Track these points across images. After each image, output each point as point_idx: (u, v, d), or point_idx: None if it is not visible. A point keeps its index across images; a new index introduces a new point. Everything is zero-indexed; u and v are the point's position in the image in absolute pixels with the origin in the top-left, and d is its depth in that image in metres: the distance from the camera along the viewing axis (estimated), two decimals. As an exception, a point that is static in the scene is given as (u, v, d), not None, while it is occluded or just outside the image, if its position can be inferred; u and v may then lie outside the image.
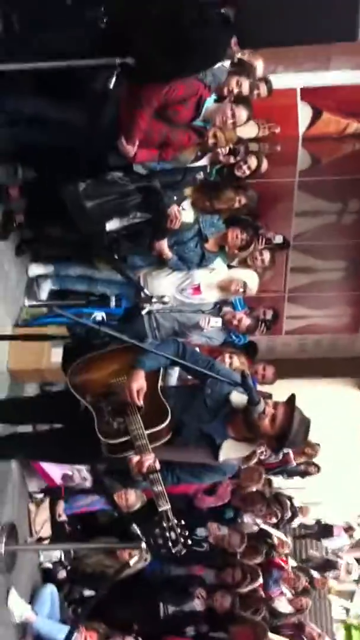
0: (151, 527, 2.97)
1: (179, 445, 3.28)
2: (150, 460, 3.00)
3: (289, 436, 3.14)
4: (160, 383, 3.40)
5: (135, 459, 3.02)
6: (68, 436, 3.72)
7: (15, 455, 4.45)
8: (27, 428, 4.49)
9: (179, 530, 2.87)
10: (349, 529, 9.51)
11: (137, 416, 3.14)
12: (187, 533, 2.91)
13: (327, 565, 9.29)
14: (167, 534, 2.85)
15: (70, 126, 4.19)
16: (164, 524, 2.86)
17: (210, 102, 4.50)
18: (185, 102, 4.20)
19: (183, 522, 2.93)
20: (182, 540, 2.86)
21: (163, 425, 3.18)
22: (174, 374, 4.86)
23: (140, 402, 3.17)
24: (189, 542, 2.92)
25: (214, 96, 4.54)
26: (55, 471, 5.12)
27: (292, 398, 3.26)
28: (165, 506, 2.91)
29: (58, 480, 5.15)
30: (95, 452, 3.35)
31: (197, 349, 4.79)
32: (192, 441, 3.30)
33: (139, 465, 2.99)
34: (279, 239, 5.93)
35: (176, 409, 3.30)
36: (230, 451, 3.30)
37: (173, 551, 2.86)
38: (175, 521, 2.88)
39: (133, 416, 3.14)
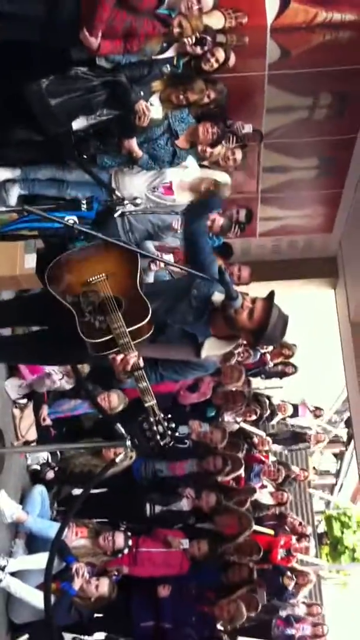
0: (137, 424, 3.02)
1: (162, 343, 3.30)
2: (134, 357, 3.01)
3: (267, 329, 3.18)
4: (138, 278, 3.36)
5: (119, 357, 3.02)
6: (51, 337, 3.69)
7: None
8: (6, 332, 4.48)
9: (165, 424, 2.92)
10: (314, 410, 9.70)
11: (118, 314, 3.12)
12: (173, 426, 2.96)
13: (296, 438, 9.54)
14: (155, 428, 2.89)
15: (27, 18, 4.00)
16: (151, 418, 2.90)
17: (174, -12, 4.33)
18: (148, -13, 4.04)
19: (169, 416, 2.97)
20: (169, 432, 2.92)
21: (144, 322, 3.16)
22: (151, 274, 4.87)
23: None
24: (176, 434, 2.99)
25: (177, -19, 4.35)
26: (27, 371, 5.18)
27: (271, 294, 3.29)
28: (151, 401, 2.94)
29: (29, 375, 5.20)
30: (79, 352, 3.34)
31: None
32: (175, 340, 3.32)
33: (123, 364, 3.00)
34: (248, 128, 5.83)
35: (161, 309, 3.31)
36: (212, 348, 3.34)
37: (161, 443, 2.91)
38: (162, 415, 2.93)
39: (114, 314, 3.12)
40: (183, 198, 5.26)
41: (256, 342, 3.36)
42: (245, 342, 3.66)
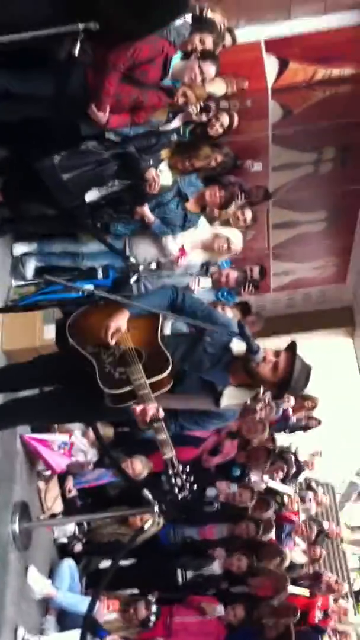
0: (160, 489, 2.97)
1: (181, 394, 3.27)
2: (153, 409, 2.97)
3: (291, 382, 3.14)
4: (159, 332, 3.34)
5: (139, 408, 2.98)
6: (68, 395, 3.62)
7: (15, 421, 4.19)
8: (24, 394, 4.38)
9: (184, 476, 2.86)
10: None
11: (139, 365, 3.11)
12: (192, 479, 2.89)
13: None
14: (173, 480, 2.84)
15: (36, 98, 4.12)
16: (169, 471, 2.85)
17: (176, 60, 4.44)
18: (152, 61, 4.14)
19: (188, 469, 2.90)
20: (187, 485, 2.85)
21: (164, 374, 3.14)
22: (167, 325, 4.86)
23: (112, 342, 3.15)
24: (194, 487, 2.89)
25: (179, 53, 4.47)
26: (58, 460, 5.09)
27: (292, 345, 3.26)
28: (170, 453, 2.89)
29: (62, 467, 5.14)
30: (97, 409, 3.35)
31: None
32: (193, 389, 3.28)
33: (142, 414, 2.97)
34: (257, 167, 5.93)
35: (176, 357, 3.27)
36: (232, 398, 3.30)
37: (179, 497, 2.84)
38: (181, 468, 2.86)
39: (134, 366, 3.11)
40: (197, 257, 5.32)
41: (280, 394, 3.33)
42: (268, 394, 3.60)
